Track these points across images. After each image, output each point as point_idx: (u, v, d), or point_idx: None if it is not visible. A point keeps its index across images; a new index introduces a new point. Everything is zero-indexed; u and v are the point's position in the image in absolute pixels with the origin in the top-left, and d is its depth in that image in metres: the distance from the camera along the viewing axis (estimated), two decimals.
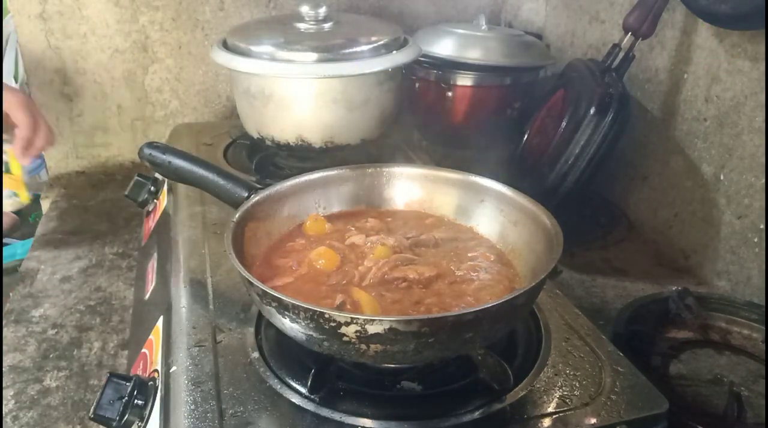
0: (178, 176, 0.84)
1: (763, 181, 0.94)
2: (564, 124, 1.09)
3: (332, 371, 0.63)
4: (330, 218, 0.81)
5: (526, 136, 1.27)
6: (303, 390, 0.62)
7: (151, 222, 1.11)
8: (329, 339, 0.56)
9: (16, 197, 1.02)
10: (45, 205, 1.42)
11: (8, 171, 0.99)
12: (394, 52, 1.06)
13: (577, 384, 0.64)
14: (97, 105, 1.43)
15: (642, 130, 1.20)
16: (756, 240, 0.97)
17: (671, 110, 1.13)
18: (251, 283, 0.59)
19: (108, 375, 0.66)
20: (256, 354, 0.67)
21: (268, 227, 0.76)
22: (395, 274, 0.69)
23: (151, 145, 0.86)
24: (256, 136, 1.11)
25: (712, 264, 1.05)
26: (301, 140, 1.06)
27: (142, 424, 0.64)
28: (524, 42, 1.34)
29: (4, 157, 0.98)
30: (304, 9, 1.07)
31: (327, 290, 0.68)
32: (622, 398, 0.63)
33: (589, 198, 1.29)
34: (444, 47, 1.30)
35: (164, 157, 0.84)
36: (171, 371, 0.66)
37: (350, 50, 1.02)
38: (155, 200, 1.13)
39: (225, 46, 1.08)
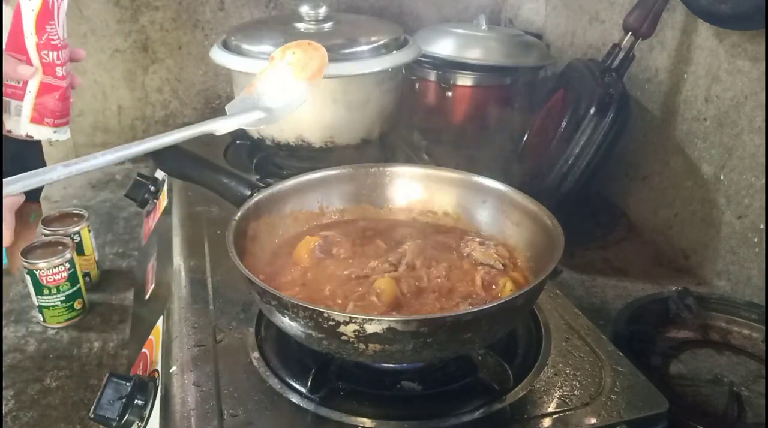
0: (182, 174, 0.85)
1: (763, 181, 0.94)
2: (564, 124, 1.09)
3: (332, 371, 0.63)
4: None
5: (526, 136, 1.27)
6: (303, 390, 0.62)
7: (151, 222, 1.11)
8: (328, 338, 0.56)
9: (88, 277, 1.04)
10: (45, 205, 1.42)
11: (82, 252, 1.01)
12: (394, 52, 1.06)
13: (577, 384, 0.64)
14: (97, 105, 1.43)
15: (642, 130, 1.20)
16: (756, 240, 0.97)
17: (671, 110, 1.13)
18: (251, 282, 0.59)
19: (108, 375, 0.66)
20: (256, 354, 0.67)
21: (270, 226, 0.76)
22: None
23: None
24: (256, 136, 1.11)
25: (712, 264, 1.05)
26: (301, 140, 1.06)
27: (142, 424, 0.64)
28: (524, 42, 1.34)
29: (78, 239, 1.01)
30: (304, 9, 1.07)
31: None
32: (622, 398, 0.63)
33: (589, 198, 1.28)
34: (444, 47, 1.30)
35: (169, 154, 0.84)
36: (171, 371, 0.66)
37: (350, 50, 1.02)
38: (155, 200, 1.13)
39: (225, 46, 1.08)
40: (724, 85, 1.00)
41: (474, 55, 1.29)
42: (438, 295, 0.67)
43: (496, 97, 1.33)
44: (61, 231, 0.99)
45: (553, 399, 0.63)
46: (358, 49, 1.02)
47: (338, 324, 0.54)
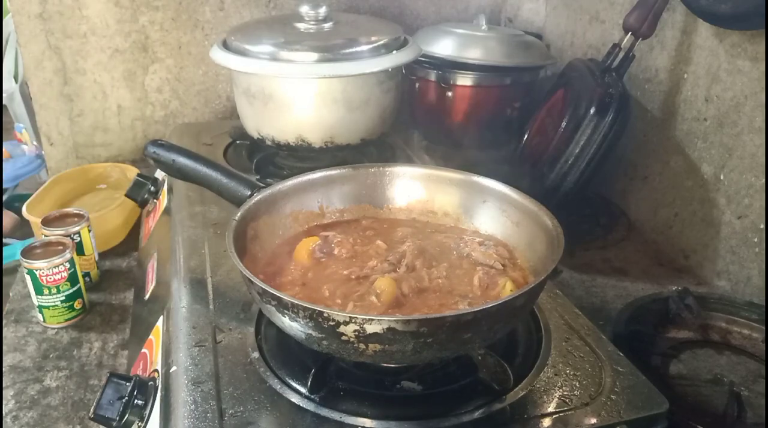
0: (181, 174, 0.85)
1: (763, 181, 0.94)
2: (564, 124, 1.09)
3: (332, 371, 0.63)
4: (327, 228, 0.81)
5: (526, 136, 1.27)
6: (303, 390, 0.62)
7: (151, 222, 1.11)
8: (328, 338, 0.56)
9: (88, 277, 1.05)
10: None
11: (82, 252, 1.02)
12: (394, 52, 1.06)
13: (577, 384, 0.64)
14: (97, 105, 1.43)
15: (642, 130, 1.20)
16: (756, 240, 0.97)
17: (671, 110, 1.13)
18: (251, 282, 0.59)
19: (108, 375, 0.66)
20: (256, 354, 0.67)
21: (270, 226, 0.76)
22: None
23: (156, 142, 0.86)
24: (256, 136, 1.11)
25: (712, 264, 1.05)
26: (301, 140, 1.06)
27: (142, 424, 0.64)
28: (524, 42, 1.34)
29: (78, 239, 1.01)
30: (304, 9, 1.07)
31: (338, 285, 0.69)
32: (622, 398, 0.63)
33: (589, 198, 1.28)
34: (444, 47, 1.30)
35: (168, 154, 0.85)
36: (171, 371, 0.66)
37: (350, 50, 1.02)
38: (155, 200, 1.13)
39: (225, 46, 1.08)
40: (724, 85, 1.00)
41: (474, 55, 1.29)
42: (438, 295, 0.67)
43: (496, 97, 1.33)
44: (61, 231, 0.99)
45: (553, 399, 0.63)
46: (358, 49, 1.02)
47: (338, 324, 0.54)
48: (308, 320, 0.56)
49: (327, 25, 1.07)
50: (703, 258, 1.07)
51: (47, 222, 1.01)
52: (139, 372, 0.74)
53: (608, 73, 1.10)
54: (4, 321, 0.97)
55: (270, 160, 1.15)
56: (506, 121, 1.34)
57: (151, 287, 0.91)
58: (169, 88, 1.47)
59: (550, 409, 0.62)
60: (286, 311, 0.57)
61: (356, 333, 0.54)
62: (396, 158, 1.16)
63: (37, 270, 0.91)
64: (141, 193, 1.14)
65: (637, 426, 0.61)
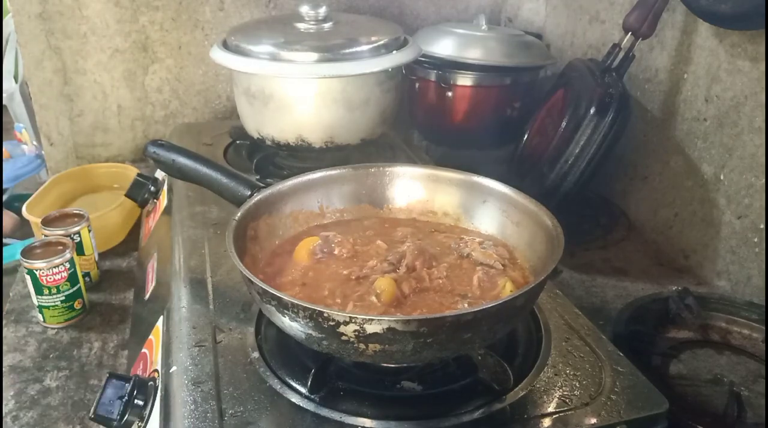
0: (181, 174, 0.85)
1: (763, 181, 0.94)
2: (564, 124, 1.09)
3: (332, 371, 0.63)
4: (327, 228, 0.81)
5: (526, 136, 1.27)
6: (303, 390, 0.62)
7: (151, 222, 1.11)
8: (328, 338, 0.56)
9: (88, 277, 1.05)
10: None
11: (82, 252, 1.01)
12: (394, 52, 1.06)
13: (577, 384, 0.64)
14: (97, 105, 1.43)
15: (642, 130, 1.20)
16: (756, 240, 0.97)
17: (671, 110, 1.13)
18: (251, 282, 0.59)
19: (108, 375, 0.66)
20: (256, 354, 0.67)
21: (270, 226, 0.76)
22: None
23: (156, 142, 0.86)
24: (256, 136, 1.11)
25: (712, 264, 1.05)
26: (301, 140, 1.07)
27: (142, 424, 0.64)
28: (524, 42, 1.34)
29: (78, 239, 1.01)
30: (304, 9, 1.07)
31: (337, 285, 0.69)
32: (622, 398, 0.63)
33: (589, 198, 1.29)
34: (444, 47, 1.30)
35: (168, 154, 0.85)
36: (171, 371, 0.66)
37: (350, 50, 1.02)
38: (155, 200, 1.13)
39: (225, 46, 1.08)
40: (724, 85, 1.00)
41: (474, 55, 1.29)
42: (438, 295, 0.67)
43: (496, 97, 1.33)
44: (61, 231, 0.99)
45: (553, 399, 0.63)
46: (358, 49, 1.02)
47: (338, 324, 0.54)
48: (308, 320, 0.56)
49: (327, 25, 1.07)
50: (703, 258, 1.07)
51: (47, 222, 1.01)
52: (139, 372, 0.74)
53: (608, 73, 1.10)
54: (4, 321, 0.97)
55: (270, 160, 1.15)
56: (506, 121, 1.34)
57: (151, 287, 0.91)
58: (169, 88, 1.47)
59: (550, 409, 0.62)
60: (286, 311, 0.57)
61: (356, 333, 0.54)
62: (396, 158, 1.16)
63: (37, 270, 0.91)
64: (141, 193, 1.14)
65: (637, 426, 0.61)
